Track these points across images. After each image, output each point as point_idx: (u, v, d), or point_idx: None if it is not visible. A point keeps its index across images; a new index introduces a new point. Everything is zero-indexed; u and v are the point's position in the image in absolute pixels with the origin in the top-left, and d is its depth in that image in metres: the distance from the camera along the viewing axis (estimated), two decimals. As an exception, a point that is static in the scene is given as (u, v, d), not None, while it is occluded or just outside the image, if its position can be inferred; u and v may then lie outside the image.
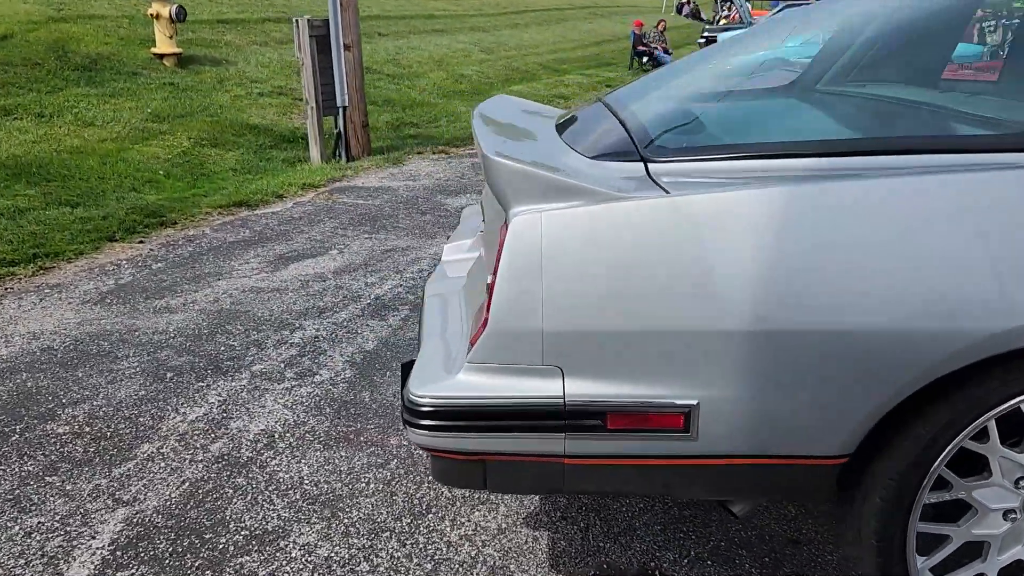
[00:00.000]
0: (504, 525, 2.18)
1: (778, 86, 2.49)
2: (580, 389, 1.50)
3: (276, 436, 2.63)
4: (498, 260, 1.52)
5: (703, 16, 35.72)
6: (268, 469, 2.44)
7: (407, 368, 1.75)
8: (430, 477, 2.40)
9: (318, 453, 2.53)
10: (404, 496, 2.31)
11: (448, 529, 2.17)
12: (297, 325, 3.55)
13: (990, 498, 1.61)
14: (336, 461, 2.49)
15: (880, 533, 1.56)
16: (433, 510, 2.25)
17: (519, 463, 1.58)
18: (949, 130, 1.76)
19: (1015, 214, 1.40)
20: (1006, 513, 1.62)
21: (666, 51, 16.77)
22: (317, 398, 2.88)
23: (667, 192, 1.48)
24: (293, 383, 3.00)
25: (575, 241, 1.47)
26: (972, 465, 1.60)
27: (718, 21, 25.16)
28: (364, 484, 2.37)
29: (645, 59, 16.54)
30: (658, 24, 17.20)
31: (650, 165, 1.64)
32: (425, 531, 2.16)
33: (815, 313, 1.42)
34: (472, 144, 8.33)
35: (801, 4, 16.46)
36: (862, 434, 1.50)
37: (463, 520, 2.21)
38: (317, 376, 3.06)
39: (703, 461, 1.54)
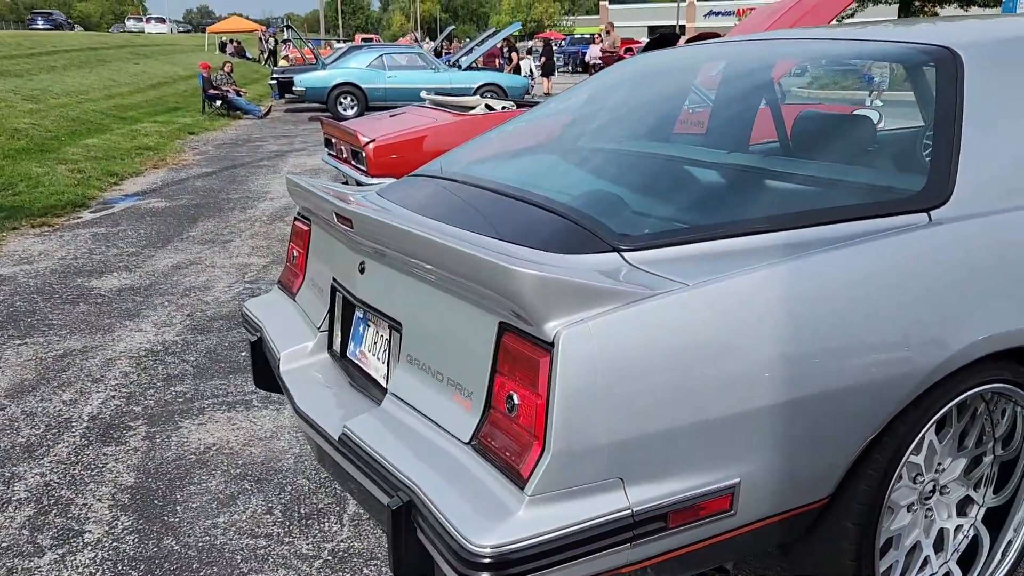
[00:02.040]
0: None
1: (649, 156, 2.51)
2: (642, 495, 1.47)
3: None
4: (544, 380, 1.41)
5: (248, 55, 35.32)
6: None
7: (404, 514, 1.52)
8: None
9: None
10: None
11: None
12: None
13: (901, 497, 1.93)
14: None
15: (855, 553, 1.78)
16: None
17: (578, 587, 1.48)
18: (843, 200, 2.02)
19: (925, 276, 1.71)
20: (909, 506, 1.96)
21: (238, 92, 16.26)
22: None
23: (686, 284, 1.52)
24: None
25: (624, 346, 1.43)
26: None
27: (271, 59, 25.03)
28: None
29: (218, 102, 15.84)
30: (224, 65, 16.60)
31: (626, 255, 1.65)
32: None
33: (825, 375, 1.58)
34: (78, 212, 7.25)
35: (366, 46, 17.14)
36: (844, 473, 1.70)
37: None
38: None
39: (737, 532, 1.61)
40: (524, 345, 1.48)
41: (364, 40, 31.94)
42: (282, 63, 23.08)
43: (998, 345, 1.77)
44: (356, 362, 2.10)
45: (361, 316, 2.10)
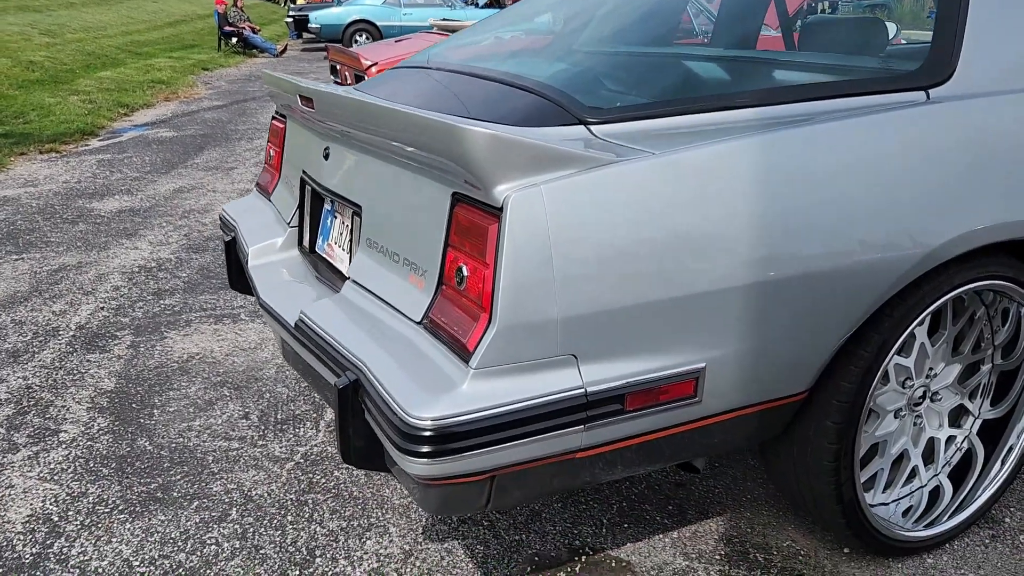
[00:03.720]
0: (407, 547, 1.95)
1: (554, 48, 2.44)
2: (598, 374, 1.38)
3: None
4: (492, 248, 1.32)
5: (271, -4, 34.86)
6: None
7: (351, 393, 1.45)
8: (290, 519, 2.04)
9: (125, 526, 2.01)
10: (273, 548, 1.94)
11: (350, 569, 1.87)
12: (-9, 378, 2.76)
13: (888, 402, 1.83)
14: (164, 531, 2.00)
15: (835, 453, 1.69)
16: (319, 552, 1.92)
17: (529, 471, 1.41)
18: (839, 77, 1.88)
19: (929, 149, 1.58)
20: (897, 412, 1.86)
21: (254, 30, 16.05)
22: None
23: (653, 152, 1.41)
24: None
25: (580, 213, 1.33)
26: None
27: (289, 2, 24.76)
28: (214, 549, 1.94)
29: (234, 40, 15.66)
30: (236, 2, 16.31)
31: (592, 127, 1.55)
32: (325, 580, 1.84)
33: (802, 256, 1.47)
34: (86, 140, 7.21)
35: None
36: (823, 366, 1.60)
37: (360, 554, 1.92)
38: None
39: (703, 423, 1.52)
40: (475, 213, 1.38)
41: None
42: (301, 2, 22.73)
43: (995, 236, 1.65)
44: (324, 256, 2.02)
45: (329, 208, 2.02)
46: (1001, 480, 1.98)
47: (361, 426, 1.48)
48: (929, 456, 2.00)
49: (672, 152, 1.40)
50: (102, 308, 3.40)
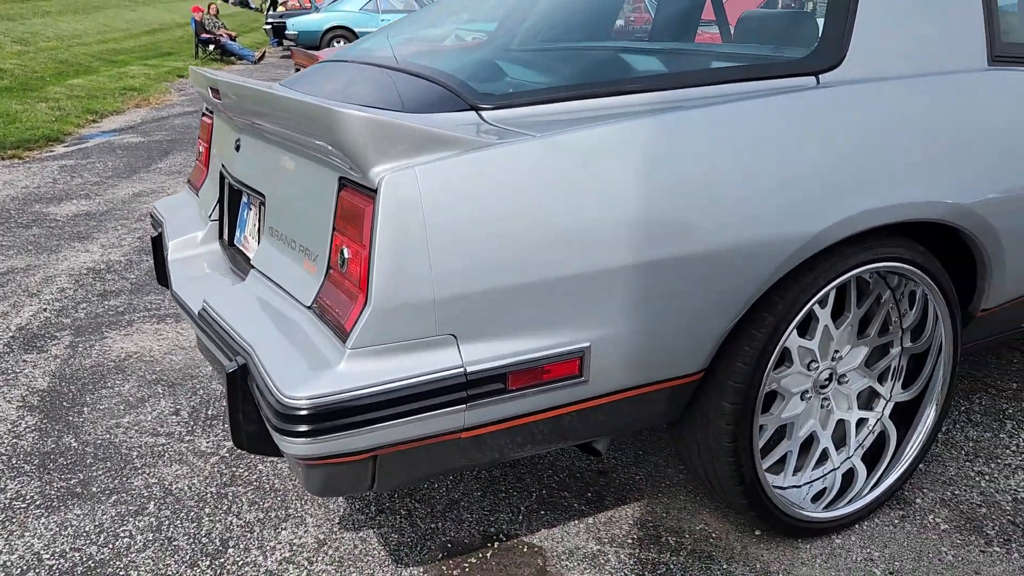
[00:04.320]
0: (322, 536, 1.95)
1: (494, 47, 2.47)
2: (478, 354, 1.39)
3: (-29, 516, 2.02)
4: (367, 229, 1.33)
5: (251, 4, 34.82)
6: (-17, 558, 1.87)
7: (239, 376, 1.46)
8: (207, 511, 2.04)
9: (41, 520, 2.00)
10: (187, 539, 1.94)
11: (262, 559, 1.87)
12: (-77, 378, 2.74)
13: (792, 384, 1.85)
14: (78, 525, 2.00)
15: (733, 434, 1.70)
16: (232, 543, 1.92)
17: (413, 451, 1.42)
18: (727, 64, 1.91)
19: (813, 130, 1.60)
20: (803, 394, 1.88)
21: (231, 37, 16.02)
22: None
23: (533, 135, 1.42)
24: (-41, 448, 2.31)
25: (458, 194, 1.35)
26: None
27: (272, 7, 24.76)
28: (127, 542, 1.94)
29: (212, 47, 15.62)
30: (209, 8, 16.25)
31: (484, 113, 1.56)
32: (236, 569, 1.84)
33: (688, 236, 1.49)
34: (51, 146, 7.18)
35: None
36: (716, 347, 1.62)
37: (274, 544, 1.92)
38: None
39: (593, 403, 1.54)
40: (356, 196, 1.39)
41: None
42: (280, 9, 22.68)
43: (884, 219, 1.67)
44: (241, 248, 2.03)
45: (246, 201, 2.03)
46: (908, 462, 2.00)
47: (250, 410, 1.49)
48: (842, 439, 2.02)
49: (553, 135, 1.42)
50: (44, 310, 3.39)
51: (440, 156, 1.35)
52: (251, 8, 34.08)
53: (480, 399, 1.41)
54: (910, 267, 1.80)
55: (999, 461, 2.22)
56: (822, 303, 1.81)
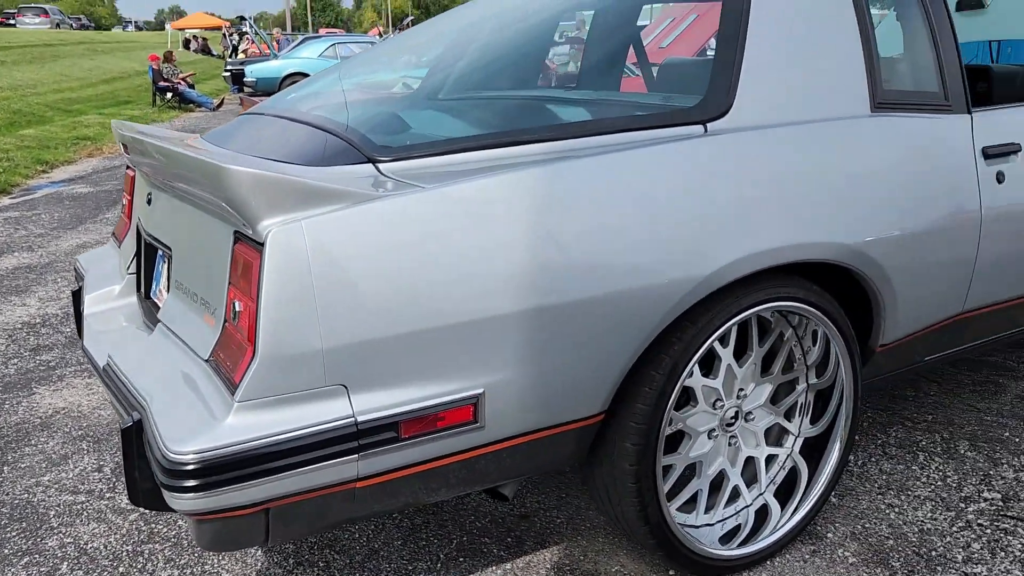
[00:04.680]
0: (237, 591, 1.94)
1: (413, 96, 2.53)
2: (369, 403, 1.41)
3: None
4: (255, 283, 1.36)
5: (213, 51, 34.94)
6: None
7: (134, 432, 1.46)
8: (122, 570, 2.02)
9: (-47, 584, 1.97)
10: (99, 598, 1.91)
11: (173, 617, 1.85)
12: None
13: (698, 423, 1.89)
14: (-15, 586, 1.96)
15: (636, 475, 1.73)
16: (144, 602, 1.90)
17: (306, 502, 1.43)
18: (624, 114, 1.97)
19: (705, 175, 1.66)
20: (709, 433, 1.92)
21: (190, 85, 16.04)
22: (-82, 520, 2.22)
23: (423, 187, 1.46)
24: None
25: (345, 247, 1.38)
26: (680, 399, 1.86)
27: (234, 54, 24.91)
28: (38, 601, 1.91)
29: (170, 95, 15.63)
30: (167, 55, 16.26)
31: (380, 165, 1.60)
32: (146, 628, 1.82)
33: (578, 282, 1.53)
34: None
35: (320, 37, 17.02)
36: (615, 389, 1.66)
37: (187, 601, 1.90)
38: (-95, 494, 2.35)
39: (491, 448, 1.56)
40: (247, 250, 1.42)
41: (327, 33, 31.73)
42: (240, 56, 22.81)
43: (774, 260, 1.73)
44: (156, 301, 2.03)
45: (161, 254, 2.04)
46: (815, 498, 2.04)
47: (145, 467, 1.49)
48: (754, 476, 2.05)
49: (441, 186, 1.46)
50: (-26, 366, 3.34)
51: (328, 209, 1.39)
52: (212, 55, 34.20)
53: (373, 448, 1.42)
54: (805, 306, 1.86)
55: (909, 493, 2.27)
56: (723, 342, 1.86)
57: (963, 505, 2.21)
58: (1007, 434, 2.58)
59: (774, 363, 1.98)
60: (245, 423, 1.34)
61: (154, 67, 15.52)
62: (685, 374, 1.73)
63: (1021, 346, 3.27)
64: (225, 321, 1.50)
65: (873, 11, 2.06)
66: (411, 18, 22.32)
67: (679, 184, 1.64)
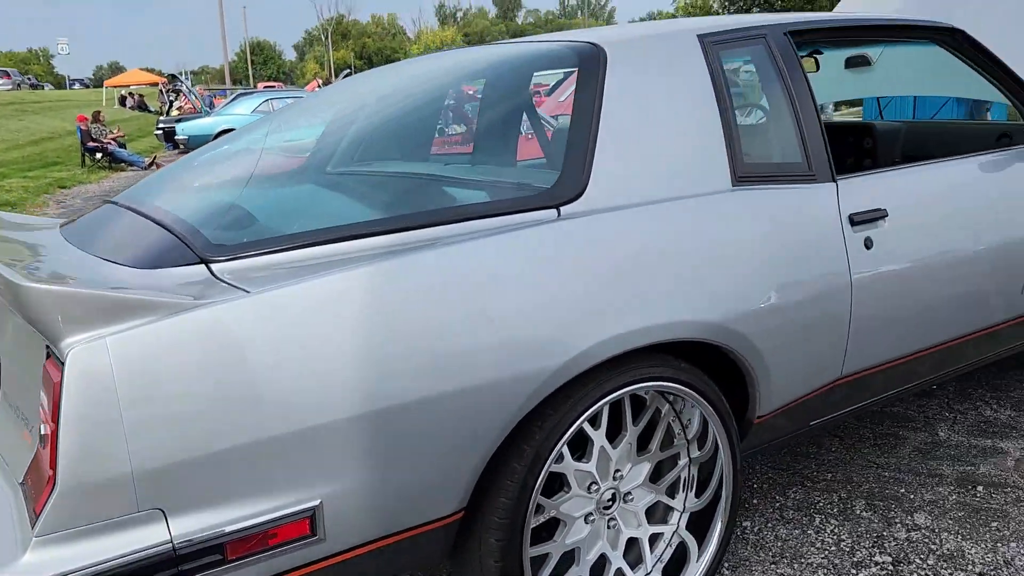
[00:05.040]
0: None
1: (295, 171, 2.51)
2: (190, 526, 1.33)
3: None
4: (55, 405, 1.27)
5: (150, 107, 34.56)
6: None
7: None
8: None
9: None
10: None
11: None
12: None
13: (573, 508, 1.83)
14: None
15: (502, 571, 1.67)
16: None
17: (127, 635, 1.33)
18: (477, 199, 1.96)
19: (540, 265, 1.63)
20: (586, 517, 1.86)
21: (121, 144, 15.80)
22: None
23: (247, 291, 1.40)
24: None
25: (155, 362, 1.30)
26: (552, 485, 1.81)
27: (169, 111, 24.70)
28: None
29: (99, 155, 15.36)
30: (96, 115, 15.99)
31: (213, 266, 1.53)
32: None
33: (418, 382, 1.47)
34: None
35: (252, 92, 16.96)
36: (472, 484, 1.59)
37: None
38: None
39: (336, 560, 1.48)
40: (53, 368, 1.33)
41: (266, 87, 31.69)
42: (175, 113, 22.59)
43: (637, 341, 1.70)
44: None
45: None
46: (703, 569, 1.99)
47: None
48: (639, 557, 2.00)
49: (266, 290, 1.40)
50: None
51: (137, 323, 1.31)
52: (150, 111, 33.83)
53: (195, 574, 1.33)
54: (674, 385, 1.83)
55: (803, 560, 2.24)
56: (595, 424, 1.81)
57: (854, 571, 2.18)
58: (903, 491, 2.57)
59: (651, 440, 1.94)
60: (43, 559, 1.24)
61: (82, 127, 15.26)
62: (550, 462, 1.68)
63: (924, 395, 3.30)
64: (37, 442, 1.41)
65: (734, 85, 2.08)
66: (348, 70, 22.39)
67: (526, 274, 1.60)
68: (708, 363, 1.98)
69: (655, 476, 1.98)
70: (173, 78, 20.17)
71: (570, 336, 1.61)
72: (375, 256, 1.53)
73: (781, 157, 2.08)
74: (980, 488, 2.57)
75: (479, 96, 2.50)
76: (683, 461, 2.00)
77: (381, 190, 2.13)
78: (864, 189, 2.16)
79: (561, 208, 1.73)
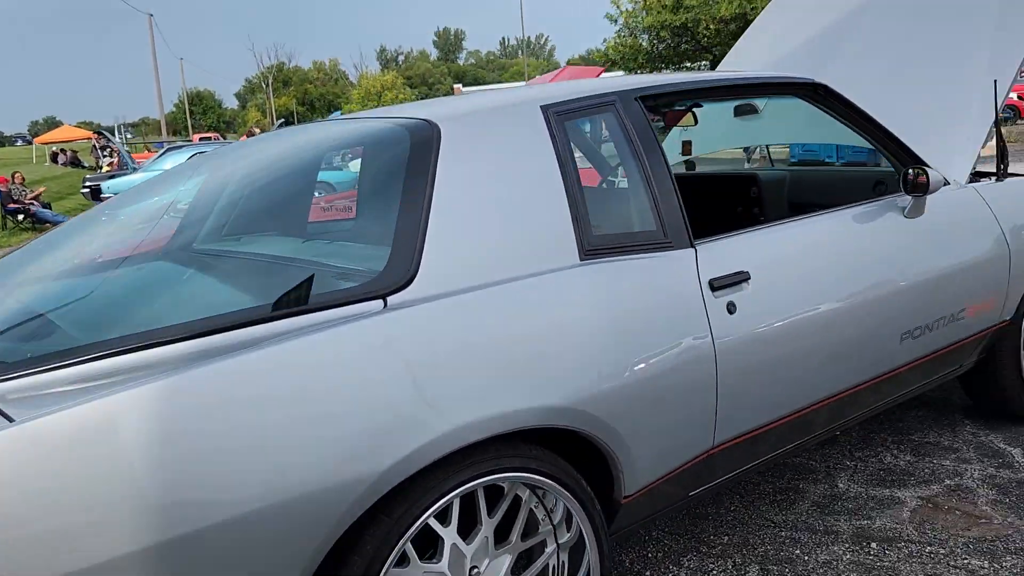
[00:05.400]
0: None
1: (157, 249, 2.39)
2: None
3: None
4: None
5: (83, 163, 33.90)
6: None
7: None
8: None
9: None
10: None
11: None
12: None
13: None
14: None
15: None
16: None
17: None
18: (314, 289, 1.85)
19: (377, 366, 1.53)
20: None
21: (45, 204, 15.40)
22: None
23: (11, 420, 1.28)
24: None
25: None
26: None
27: (101, 168, 24.23)
28: None
29: (21, 216, 14.94)
30: (14, 176, 15.58)
31: (-8, 387, 1.41)
32: None
33: (216, 504, 1.36)
34: None
35: (183, 146, 16.73)
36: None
37: None
38: None
39: None
40: None
41: (202, 139, 31.29)
42: (106, 169, 22.16)
43: (474, 435, 1.61)
44: None
45: None
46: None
47: None
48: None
49: (30, 420, 1.28)
50: None
51: None
52: (84, 167, 33.17)
53: None
54: (526, 474, 1.74)
55: (688, 641, 2.14)
56: (444, 520, 1.71)
57: (741, 649, 2.09)
58: (798, 552, 2.51)
59: (512, 531, 1.84)
60: None
61: (2, 189, 14.85)
62: (388, 565, 1.57)
63: (827, 442, 3.26)
64: None
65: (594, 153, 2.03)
66: (282, 120, 22.22)
67: (344, 375, 1.51)
68: (568, 445, 1.90)
69: (526, 564, 1.88)
70: (100, 134, 19.78)
71: (398, 437, 1.52)
72: (176, 367, 1.42)
73: (634, 226, 2.02)
74: (874, 544, 2.52)
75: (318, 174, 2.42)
76: (550, 548, 1.91)
77: (209, 278, 2.03)
78: (724, 252, 2.12)
79: (388, 298, 1.64)
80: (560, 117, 1.98)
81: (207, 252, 2.31)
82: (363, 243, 1.95)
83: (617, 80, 2.22)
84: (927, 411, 3.47)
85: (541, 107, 1.98)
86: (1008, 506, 2.66)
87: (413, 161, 1.79)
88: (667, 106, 2.76)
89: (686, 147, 3.59)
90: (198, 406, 1.37)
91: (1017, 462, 2.95)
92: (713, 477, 2.20)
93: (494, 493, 1.80)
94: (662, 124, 3.67)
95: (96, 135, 27.31)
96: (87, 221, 2.59)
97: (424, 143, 1.82)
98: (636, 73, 26.48)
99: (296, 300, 1.60)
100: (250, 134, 32.68)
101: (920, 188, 2.44)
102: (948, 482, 2.85)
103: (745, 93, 2.75)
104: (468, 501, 1.76)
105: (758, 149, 4.64)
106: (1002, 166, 2.96)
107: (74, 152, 34.52)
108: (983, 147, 2.93)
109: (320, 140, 2.35)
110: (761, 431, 2.24)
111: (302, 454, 1.43)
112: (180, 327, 1.52)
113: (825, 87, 2.52)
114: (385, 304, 1.63)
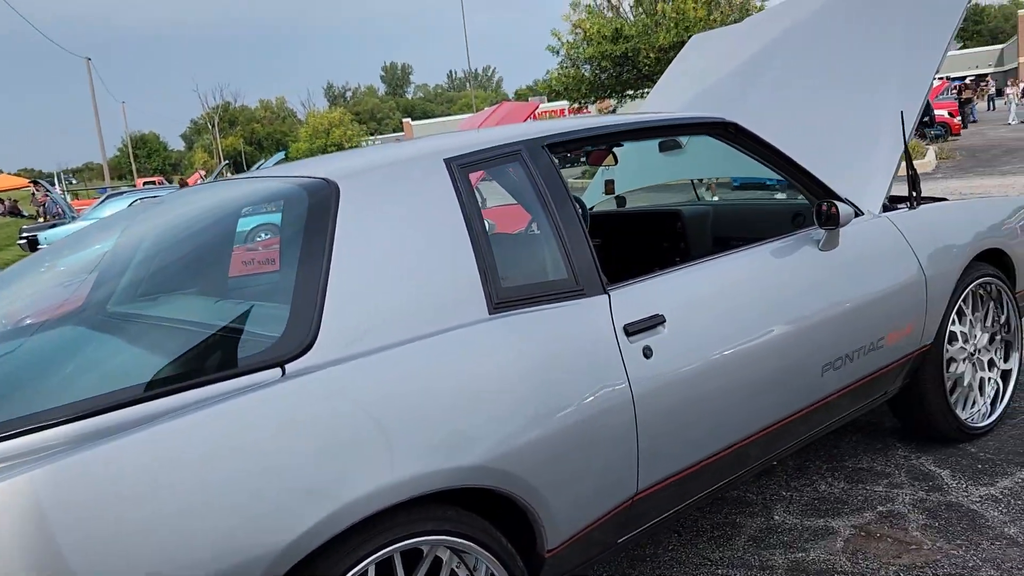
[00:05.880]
0: None
1: (70, 311, 2.32)
2: None
3: None
4: None
5: (23, 212, 33.08)
6: None
7: None
8: None
9: None
10: None
11: None
12: None
13: None
14: None
15: None
16: None
17: None
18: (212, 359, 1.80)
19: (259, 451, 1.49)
20: None
21: (-19, 258, 14.96)
22: None
23: None
24: None
25: None
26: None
27: (41, 216, 23.65)
28: None
29: (-45, 271, 14.49)
30: None
31: None
32: None
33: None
34: None
35: (124, 192, 16.42)
36: None
37: None
38: None
39: None
40: None
41: (146, 183, 30.78)
42: (48, 219, 21.61)
43: (381, 503, 1.57)
44: None
45: None
46: None
47: None
48: None
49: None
50: None
51: None
52: (24, 215, 32.36)
53: None
54: (441, 537, 1.70)
55: None
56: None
57: None
58: (733, 590, 2.50)
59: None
60: None
61: (-65, 244, 14.41)
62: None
63: (764, 473, 3.27)
64: None
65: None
66: (225, 163, 21.92)
67: (238, 450, 1.45)
68: (486, 501, 1.86)
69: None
70: (36, 182, 19.35)
71: (296, 512, 1.47)
72: (48, 454, 1.36)
73: (545, 275, 2.01)
74: (808, 578, 2.52)
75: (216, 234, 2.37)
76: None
77: (113, 345, 1.96)
78: (639, 296, 2.11)
79: (286, 365, 1.59)
80: (464, 169, 1.97)
81: (118, 315, 2.24)
82: (273, 303, 1.90)
83: (524, 128, 2.22)
84: (861, 436, 3.51)
85: (444, 160, 1.96)
86: (937, 530, 2.68)
87: (311, 221, 1.76)
88: (577, 152, 2.77)
89: (609, 186, 3.62)
90: (66, 501, 1.30)
91: (946, 484, 2.99)
92: (643, 521, 2.18)
93: (414, 556, 1.76)
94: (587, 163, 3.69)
95: (33, 183, 26.65)
96: (11, 275, 2.52)
97: (322, 203, 1.79)
98: (581, 102, 26.78)
99: (192, 372, 1.55)
100: (183, 184, 32.33)
101: (832, 221, 2.48)
102: (880, 508, 2.87)
103: (657, 134, 2.78)
104: (387, 566, 1.71)
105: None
106: (914, 193, 3.02)
107: (14, 201, 33.68)
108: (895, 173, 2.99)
109: (224, 200, 2.30)
110: (689, 471, 2.22)
111: (193, 538, 1.37)
112: (65, 408, 1.46)
113: (736, 125, 2.56)
114: (283, 372, 1.59)
